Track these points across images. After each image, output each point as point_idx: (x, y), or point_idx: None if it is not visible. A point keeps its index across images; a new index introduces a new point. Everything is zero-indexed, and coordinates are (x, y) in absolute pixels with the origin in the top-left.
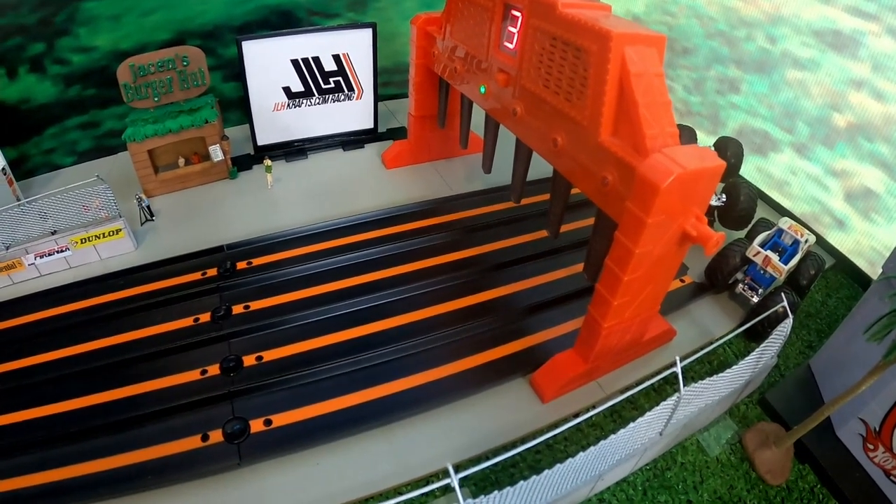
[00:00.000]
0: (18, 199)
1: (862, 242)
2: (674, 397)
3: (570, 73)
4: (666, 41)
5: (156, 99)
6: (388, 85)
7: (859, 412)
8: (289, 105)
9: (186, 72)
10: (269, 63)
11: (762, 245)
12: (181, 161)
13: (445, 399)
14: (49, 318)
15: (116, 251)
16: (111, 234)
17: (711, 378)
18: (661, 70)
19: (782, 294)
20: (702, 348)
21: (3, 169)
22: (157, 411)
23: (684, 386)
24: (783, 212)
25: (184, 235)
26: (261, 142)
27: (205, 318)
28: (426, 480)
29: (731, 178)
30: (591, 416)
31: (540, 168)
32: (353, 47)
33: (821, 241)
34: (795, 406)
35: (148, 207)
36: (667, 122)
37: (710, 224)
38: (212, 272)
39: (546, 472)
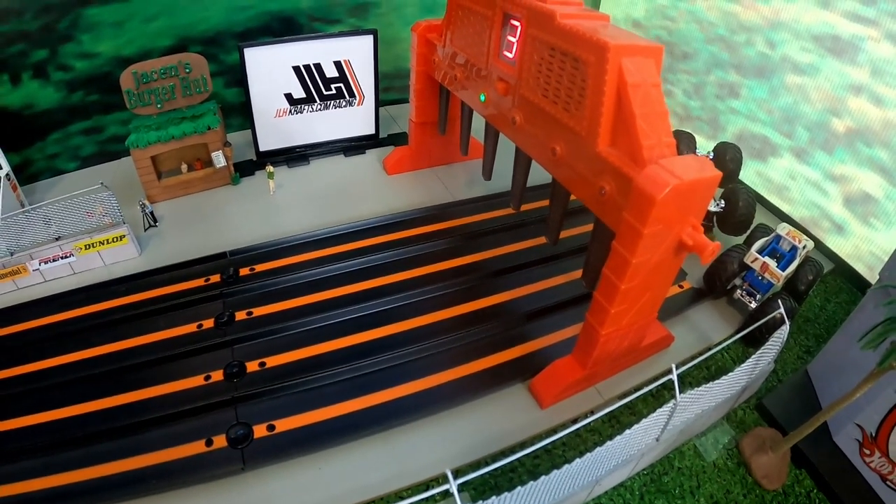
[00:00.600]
0: (22, 205)
1: (861, 247)
2: (670, 403)
3: (568, 83)
4: (663, 52)
5: (159, 105)
6: (388, 90)
7: (856, 418)
8: (290, 111)
9: (189, 78)
10: (270, 69)
11: (760, 251)
12: (184, 167)
13: (446, 404)
14: (53, 324)
15: (120, 257)
16: (115, 240)
17: (708, 384)
18: (659, 81)
19: (779, 300)
20: (700, 354)
21: (7, 174)
22: (161, 416)
23: (681, 392)
24: (782, 216)
25: (187, 241)
26: (263, 148)
27: (208, 324)
28: (426, 485)
29: (730, 183)
30: (589, 422)
31: (540, 174)
32: (355, 54)
33: (820, 245)
34: (792, 411)
35: (151, 213)
36: (664, 132)
37: (709, 229)
38: (215, 278)
39: (544, 477)
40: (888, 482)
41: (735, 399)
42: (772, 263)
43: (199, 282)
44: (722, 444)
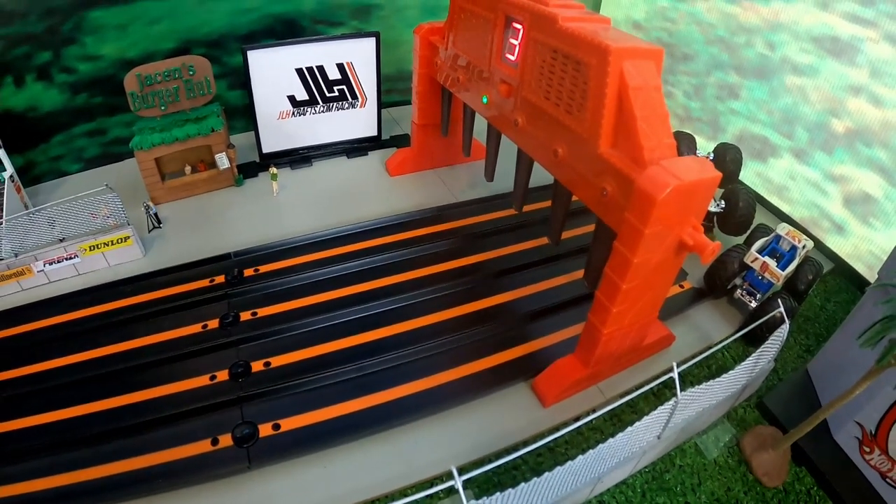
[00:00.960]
0: (27, 206)
1: (860, 247)
2: (671, 401)
3: (570, 85)
4: (664, 55)
5: (162, 108)
6: (391, 92)
7: (855, 415)
8: (293, 113)
9: (193, 81)
10: (274, 72)
11: (760, 251)
12: (188, 169)
13: (449, 403)
14: (58, 325)
15: (125, 258)
16: (119, 241)
17: (708, 383)
18: (659, 83)
19: (779, 300)
20: (701, 353)
21: (11, 176)
22: (168, 416)
23: (682, 390)
24: (782, 216)
25: (191, 242)
26: (266, 149)
27: (213, 324)
28: (431, 483)
29: (731, 183)
30: (591, 420)
31: (542, 174)
32: (357, 56)
33: (820, 245)
34: (793, 409)
35: (155, 215)
36: (664, 134)
37: (710, 230)
38: (219, 279)
39: (547, 474)
40: (888, 479)
41: (736, 397)
42: (772, 263)
43: (204, 283)
44: (723, 441)
